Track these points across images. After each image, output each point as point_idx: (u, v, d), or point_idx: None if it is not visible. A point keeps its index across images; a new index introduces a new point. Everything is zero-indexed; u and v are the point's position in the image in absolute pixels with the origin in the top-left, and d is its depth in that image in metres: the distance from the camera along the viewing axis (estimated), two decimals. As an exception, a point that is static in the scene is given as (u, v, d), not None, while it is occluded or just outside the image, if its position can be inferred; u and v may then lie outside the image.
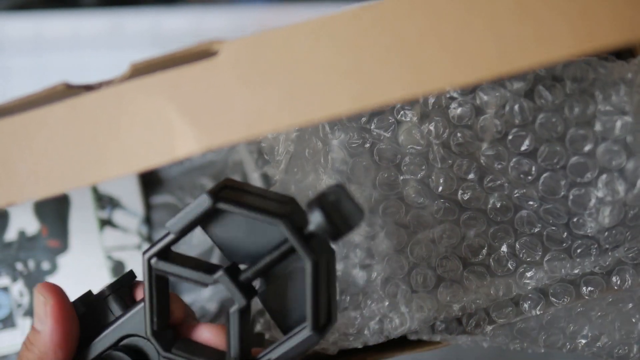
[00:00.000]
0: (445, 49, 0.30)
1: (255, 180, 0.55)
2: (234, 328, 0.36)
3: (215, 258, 0.56)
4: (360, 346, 0.46)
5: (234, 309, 0.35)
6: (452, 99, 0.43)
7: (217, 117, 0.31)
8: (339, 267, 0.46)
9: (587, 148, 0.42)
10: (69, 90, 0.33)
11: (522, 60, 0.30)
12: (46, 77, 0.63)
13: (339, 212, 0.33)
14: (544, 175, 0.43)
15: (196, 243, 0.57)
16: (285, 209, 0.34)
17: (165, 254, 0.36)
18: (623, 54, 0.45)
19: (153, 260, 0.36)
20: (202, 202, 0.34)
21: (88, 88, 0.33)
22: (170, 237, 0.35)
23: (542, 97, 0.41)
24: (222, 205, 0.34)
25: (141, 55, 0.35)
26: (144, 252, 0.36)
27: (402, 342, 0.47)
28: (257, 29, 0.65)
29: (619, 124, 0.41)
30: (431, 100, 0.43)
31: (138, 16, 0.64)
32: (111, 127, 0.32)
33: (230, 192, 0.35)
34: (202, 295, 0.56)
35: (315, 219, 0.33)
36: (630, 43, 0.30)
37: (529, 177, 0.43)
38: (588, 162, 0.42)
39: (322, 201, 0.33)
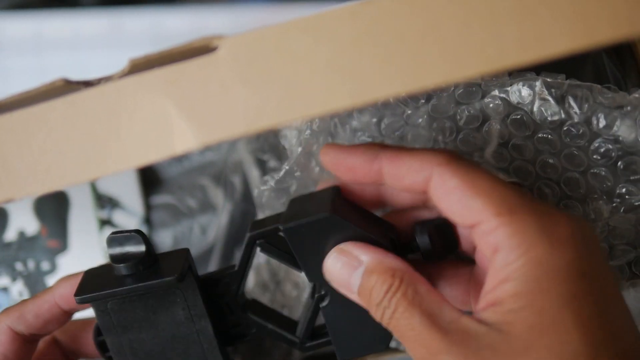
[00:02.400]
0: (443, 44, 0.30)
1: (255, 179, 0.55)
2: (310, 313, 0.39)
3: (215, 258, 0.56)
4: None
5: (323, 304, 0.38)
6: (460, 104, 0.43)
7: (215, 112, 0.31)
8: None
9: (580, 168, 0.43)
10: (68, 86, 0.33)
11: (519, 56, 0.30)
12: (46, 77, 0.63)
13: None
14: (538, 183, 0.43)
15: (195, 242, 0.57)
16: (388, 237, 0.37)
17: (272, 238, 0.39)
18: (621, 49, 0.45)
19: (259, 241, 0.39)
20: (323, 217, 0.36)
21: (87, 84, 0.33)
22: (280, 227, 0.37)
23: (543, 114, 0.42)
24: (337, 219, 0.36)
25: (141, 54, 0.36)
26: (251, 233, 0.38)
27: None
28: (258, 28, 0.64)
29: (612, 151, 0.42)
30: (440, 103, 0.44)
31: (138, 16, 0.64)
32: (110, 123, 0.32)
33: (344, 209, 0.37)
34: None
35: (423, 242, 0.36)
36: (628, 39, 0.30)
37: (525, 183, 0.44)
38: (580, 179, 0.43)
39: (428, 227, 0.36)
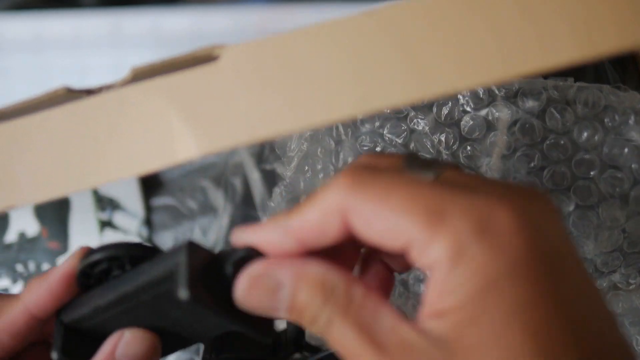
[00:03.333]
0: (448, 55, 0.30)
1: (256, 180, 0.55)
2: None
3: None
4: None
5: None
6: (465, 112, 0.43)
7: (217, 121, 0.31)
8: None
9: (593, 172, 0.42)
10: (70, 94, 0.33)
11: (524, 66, 0.30)
12: (46, 77, 0.63)
13: None
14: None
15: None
16: None
17: None
18: (625, 60, 0.45)
19: None
20: None
21: (89, 92, 0.33)
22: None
23: (553, 118, 0.42)
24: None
25: (141, 55, 0.35)
26: None
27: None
28: (258, 29, 0.64)
29: (625, 151, 0.41)
30: (444, 112, 0.43)
31: (138, 16, 0.64)
32: (112, 131, 0.32)
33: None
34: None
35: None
36: (632, 49, 0.30)
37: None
38: (592, 186, 0.42)
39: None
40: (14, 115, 0.33)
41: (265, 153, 0.55)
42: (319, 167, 0.45)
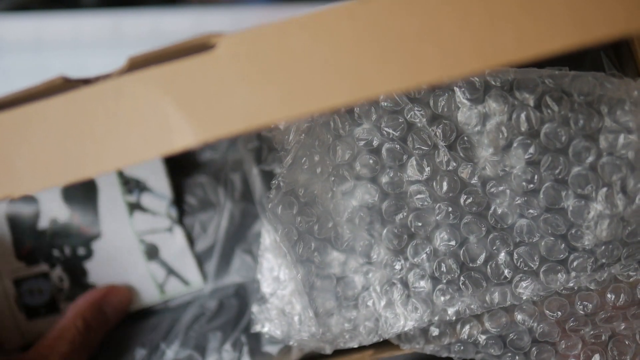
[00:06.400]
0: (440, 41, 0.30)
1: (255, 176, 0.55)
2: None
3: (215, 257, 0.56)
4: (355, 345, 0.46)
5: None
6: (462, 103, 0.43)
7: (214, 110, 0.31)
8: (337, 271, 0.46)
9: (590, 160, 0.42)
10: (67, 84, 0.33)
11: (515, 53, 0.30)
12: (46, 77, 0.63)
13: None
14: (546, 184, 0.43)
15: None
16: None
17: None
18: (619, 46, 0.45)
19: None
20: None
21: (86, 81, 0.33)
22: None
23: (549, 107, 0.42)
24: None
25: (141, 55, 0.36)
26: None
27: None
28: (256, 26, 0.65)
29: (622, 140, 0.41)
30: (441, 103, 0.44)
31: (138, 17, 0.64)
32: (108, 120, 0.32)
33: None
34: (202, 292, 0.56)
35: None
36: (625, 35, 0.30)
37: (531, 186, 0.43)
38: (590, 174, 0.42)
39: None
40: (11, 105, 0.33)
41: (264, 154, 0.55)
42: (317, 159, 0.45)
